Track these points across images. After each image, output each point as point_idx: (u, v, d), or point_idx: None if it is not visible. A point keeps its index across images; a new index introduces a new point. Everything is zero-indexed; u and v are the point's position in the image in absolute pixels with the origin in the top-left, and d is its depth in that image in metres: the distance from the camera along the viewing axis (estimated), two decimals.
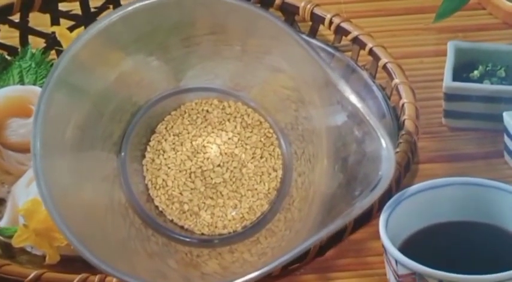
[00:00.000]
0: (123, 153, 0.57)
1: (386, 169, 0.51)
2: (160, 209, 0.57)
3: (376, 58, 0.67)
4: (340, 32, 0.70)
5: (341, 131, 0.54)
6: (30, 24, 0.72)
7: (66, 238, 0.52)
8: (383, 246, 0.52)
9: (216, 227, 0.57)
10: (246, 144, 0.57)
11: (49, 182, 0.53)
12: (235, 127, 0.57)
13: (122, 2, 0.74)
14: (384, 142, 0.52)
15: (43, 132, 0.53)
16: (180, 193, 0.57)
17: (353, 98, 0.53)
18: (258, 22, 0.54)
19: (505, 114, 0.65)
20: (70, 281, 0.54)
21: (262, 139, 0.57)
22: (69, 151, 0.55)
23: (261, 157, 0.57)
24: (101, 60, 0.56)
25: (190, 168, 0.57)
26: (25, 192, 0.60)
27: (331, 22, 0.70)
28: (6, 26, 0.72)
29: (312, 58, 0.54)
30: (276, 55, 0.55)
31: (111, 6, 0.74)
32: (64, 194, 0.54)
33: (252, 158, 0.57)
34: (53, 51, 0.71)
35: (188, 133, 0.58)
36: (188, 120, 0.58)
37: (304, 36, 0.65)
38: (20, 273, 0.55)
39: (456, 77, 0.67)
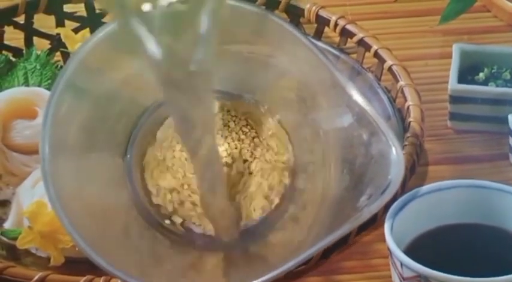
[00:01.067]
0: (128, 156, 0.57)
1: (396, 173, 0.51)
2: (166, 211, 0.57)
3: (382, 60, 0.67)
4: (345, 34, 0.70)
5: (348, 134, 0.54)
6: (35, 26, 0.72)
7: (75, 241, 0.52)
8: (388, 248, 0.52)
9: None
10: (252, 145, 0.57)
11: (57, 185, 0.53)
12: (241, 129, 0.57)
13: None
14: (393, 145, 0.52)
15: (52, 136, 0.53)
16: (187, 195, 0.57)
17: (361, 101, 0.53)
18: (264, 24, 0.54)
19: (510, 116, 0.65)
20: None
21: (268, 141, 0.57)
22: (76, 154, 0.55)
23: (267, 159, 0.57)
24: (108, 63, 0.55)
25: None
26: (30, 194, 0.60)
27: (336, 24, 0.70)
28: (11, 28, 0.71)
29: (319, 60, 0.54)
30: (282, 57, 0.55)
31: None
32: (72, 196, 0.53)
33: (258, 160, 0.57)
34: (58, 53, 0.71)
35: None
36: None
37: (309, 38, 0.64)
38: (24, 275, 0.55)
39: (461, 79, 0.67)
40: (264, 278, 0.50)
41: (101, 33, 0.54)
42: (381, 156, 0.52)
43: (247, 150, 0.57)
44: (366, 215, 0.51)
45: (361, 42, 0.69)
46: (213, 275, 0.55)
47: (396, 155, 0.51)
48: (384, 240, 0.52)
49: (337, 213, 0.53)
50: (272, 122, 0.57)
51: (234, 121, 0.58)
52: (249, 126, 0.57)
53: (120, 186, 0.56)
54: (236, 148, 0.57)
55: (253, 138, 0.57)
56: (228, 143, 0.57)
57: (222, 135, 0.57)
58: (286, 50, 0.55)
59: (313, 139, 0.56)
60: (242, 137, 0.57)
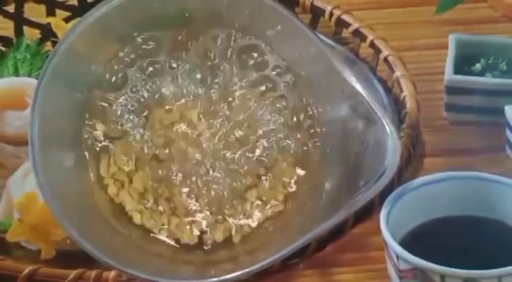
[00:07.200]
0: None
1: (392, 158, 0.51)
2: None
3: (377, 51, 0.67)
4: (340, 24, 0.69)
5: (345, 121, 0.54)
6: (26, 15, 0.71)
7: (65, 229, 0.52)
8: (384, 240, 0.51)
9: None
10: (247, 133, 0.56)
11: (47, 172, 0.52)
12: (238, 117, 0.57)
13: None
14: (389, 131, 0.51)
15: (40, 122, 0.53)
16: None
17: (357, 86, 0.52)
18: (260, 9, 0.54)
19: (506, 107, 0.64)
20: (66, 276, 0.54)
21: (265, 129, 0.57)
22: (66, 142, 0.54)
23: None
24: (97, 49, 0.55)
25: None
26: (20, 186, 0.59)
27: (331, 14, 0.69)
28: (1, 17, 0.71)
29: (316, 46, 0.53)
30: (278, 42, 0.55)
31: None
32: (62, 184, 0.53)
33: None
34: (49, 43, 0.71)
35: None
36: None
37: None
38: (14, 269, 0.55)
39: (458, 70, 0.67)
40: (258, 265, 0.50)
41: (89, 18, 0.54)
42: (377, 143, 0.52)
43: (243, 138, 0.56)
44: (362, 200, 0.51)
45: (356, 33, 0.68)
46: (204, 265, 0.54)
47: (392, 140, 0.51)
48: (379, 232, 0.51)
49: (334, 201, 0.52)
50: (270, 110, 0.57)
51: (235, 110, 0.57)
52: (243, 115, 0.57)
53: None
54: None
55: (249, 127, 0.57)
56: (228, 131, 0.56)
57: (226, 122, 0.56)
58: (283, 35, 0.55)
59: (308, 127, 0.56)
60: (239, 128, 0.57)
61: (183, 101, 0.55)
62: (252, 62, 0.55)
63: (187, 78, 0.55)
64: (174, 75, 0.56)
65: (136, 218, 0.55)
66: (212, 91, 0.55)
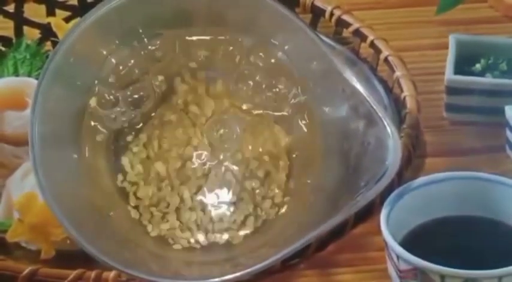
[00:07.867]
0: (121, 142, 0.56)
1: (393, 159, 0.51)
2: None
3: (377, 51, 0.67)
4: (341, 24, 0.69)
5: (345, 121, 0.54)
6: (25, 15, 0.71)
7: (65, 229, 0.51)
8: (384, 241, 0.51)
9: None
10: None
11: (47, 172, 0.52)
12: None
13: None
14: (390, 131, 0.51)
15: (40, 122, 0.53)
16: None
17: (358, 86, 0.53)
18: (260, 9, 0.54)
19: (507, 108, 0.64)
20: (66, 276, 0.54)
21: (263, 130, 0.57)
22: (67, 141, 0.54)
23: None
24: (97, 49, 0.55)
25: None
26: (20, 186, 0.59)
27: (331, 14, 0.69)
28: (1, 17, 0.71)
29: (317, 46, 0.53)
30: (279, 42, 0.55)
31: None
32: (62, 184, 0.53)
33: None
34: (48, 43, 0.71)
35: None
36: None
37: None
38: (14, 269, 0.54)
39: (458, 70, 0.67)
40: (259, 266, 0.50)
41: (89, 19, 0.54)
42: (378, 143, 0.52)
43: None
44: (363, 201, 0.51)
45: (356, 33, 0.68)
46: (204, 265, 0.54)
47: (393, 141, 0.51)
48: (380, 232, 0.51)
49: (335, 201, 0.52)
50: (269, 110, 0.57)
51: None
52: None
53: (107, 176, 0.55)
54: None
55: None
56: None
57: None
58: (283, 35, 0.54)
59: (311, 127, 0.56)
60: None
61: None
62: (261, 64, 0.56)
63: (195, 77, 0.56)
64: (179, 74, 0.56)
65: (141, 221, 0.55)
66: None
